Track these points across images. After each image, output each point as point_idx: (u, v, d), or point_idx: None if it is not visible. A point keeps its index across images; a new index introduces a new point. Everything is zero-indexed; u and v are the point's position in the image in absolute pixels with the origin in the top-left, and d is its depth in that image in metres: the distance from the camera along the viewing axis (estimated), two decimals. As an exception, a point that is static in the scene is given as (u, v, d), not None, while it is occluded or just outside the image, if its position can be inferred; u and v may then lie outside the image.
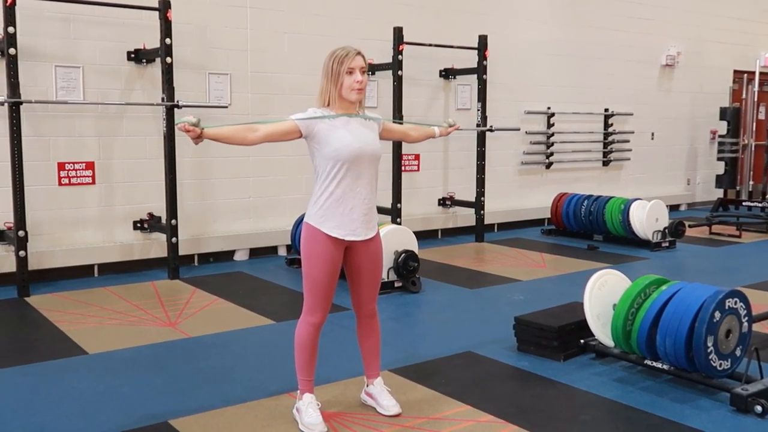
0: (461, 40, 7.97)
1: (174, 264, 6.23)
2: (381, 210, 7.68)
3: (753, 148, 10.98)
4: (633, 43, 10.18)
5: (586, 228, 8.29)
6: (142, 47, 6.32)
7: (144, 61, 6.37)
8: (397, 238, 5.82)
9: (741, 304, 3.66)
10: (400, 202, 7.49)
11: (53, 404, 3.50)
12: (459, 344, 4.44)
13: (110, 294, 5.67)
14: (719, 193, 11.33)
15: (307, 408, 3.24)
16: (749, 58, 11.76)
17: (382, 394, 3.41)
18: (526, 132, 9.17)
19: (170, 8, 5.98)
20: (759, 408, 3.33)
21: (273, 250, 7.35)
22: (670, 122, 11.03)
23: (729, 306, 3.59)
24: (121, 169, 6.42)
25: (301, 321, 3.28)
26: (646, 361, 3.85)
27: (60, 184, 6.12)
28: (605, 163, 10.24)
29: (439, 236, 8.51)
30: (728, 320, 3.59)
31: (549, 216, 9.09)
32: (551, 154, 9.50)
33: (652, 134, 10.80)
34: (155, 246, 6.57)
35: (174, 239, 6.20)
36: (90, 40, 6.17)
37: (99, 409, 3.44)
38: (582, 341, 4.21)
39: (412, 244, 5.91)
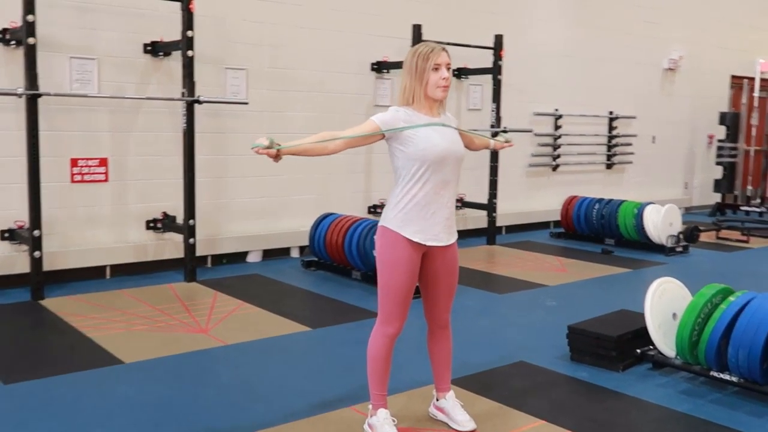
0: (474, 39, 7.84)
1: (191, 266, 6.00)
2: (395, 211, 7.52)
3: (753, 153, 11.04)
4: (638, 46, 10.16)
5: (598, 231, 8.23)
6: (160, 40, 6.07)
7: (161, 54, 6.13)
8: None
9: (815, 315, 3.58)
10: (416, 204, 7.32)
11: (104, 418, 3.28)
12: (508, 353, 4.31)
13: (128, 297, 5.43)
14: (716, 197, 11.38)
15: (383, 425, 3.07)
16: (747, 64, 11.85)
17: (455, 409, 3.26)
18: (534, 134, 9.08)
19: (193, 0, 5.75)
20: (843, 423, 3.26)
21: (286, 251, 7.15)
22: (670, 126, 11.04)
23: (805, 317, 3.51)
24: (135, 166, 6.17)
25: (376, 332, 3.11)
26: (712, 373, 3.75)
27: (72, 181, 5.86)
28: (609, 166, 10.22)
29: (449, 238, 8.37)
30: (803, 332, 3.51)
31: (555, 218, 9.05)
32: (558, 156, 9.44)
33: (653, 137, 10.80)
34: (169, 246, 6.33)
35: (192, 240, 5.97)
36: (106, 31, 5.91)
37: (156, 423, 3.23)
38: (638, 351, 4.11)
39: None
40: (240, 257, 6.84)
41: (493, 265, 6.93)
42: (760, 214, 10.49)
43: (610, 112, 10.03)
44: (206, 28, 6.33)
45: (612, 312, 4.57)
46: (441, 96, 3.02)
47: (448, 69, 3.02)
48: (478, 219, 8.41)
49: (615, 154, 10.20)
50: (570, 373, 4.01)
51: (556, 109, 9.32)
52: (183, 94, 5.84)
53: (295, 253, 7.16)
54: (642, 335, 4.14)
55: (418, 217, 2.98)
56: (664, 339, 3.98)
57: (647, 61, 10.39)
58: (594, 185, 9.90)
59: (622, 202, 8.08)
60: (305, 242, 7.08)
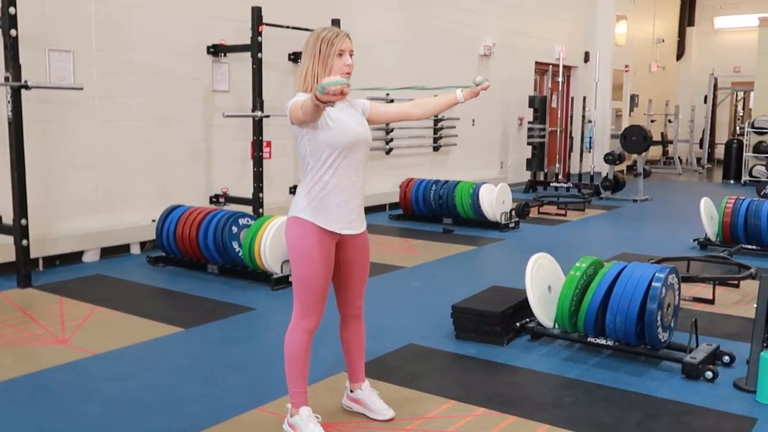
0: (311, 24, 7.69)
1: (25, 270, 5.38)
2: (241, 200, 7.28)
3: (559, 134, 11.98)
4: (459, 33, 10.60)
5: (436, 212, 8.51)
6: (-28, 17, 5.34)
7: (-27, 33, 5.39)
8: (289, 230, 5.53)
9: (676, 279, 3.96)
10: (262, 191, 7.12)
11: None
12: (394, 337, 4.32)
13: (-44, 310, 4.77)
14: (528, 174, 12.23)
15: (307, 423, 2.95)
16: (549, 51, 12.81)
17: (372, 398, 3.21)
18: (369, 118, 9.16)
19: (14, -28, 5.11)
20: (710, 374, 3.63)
21: (125, 248, 6.64)
22: (487, 109, 11.66)
23: (670, 282, 3.86)
24: (-52, 161, 5.41)
25: (294, 327, 2.96)
26: (589, 339, 4.02)
27: None
28: (436, 149, 10.59)
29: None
30: (669, 295, 3.87)
31: (391, 201, 9.27)
32: (391, 140, 9.62)
33: (473, 121, 11.35)
34: (-6, 250, 5.64)
35: (25, 242, 5.35)
36: None
37: (46, 452, 2.87)
38: (518, 324, 4.31)
39: (304, 236, 5.65)
40: (75, 257, 6.25)
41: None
42: (567, 189, 11.45)
43: (435, 95, 10.35)
44: (26, 5, 5.67)
45: (485, 290, 4.74)
46: (343, 83, 2.92)
47: (351, 55, 2.93)
48: (320, 205, 8.36)
49: (441, 137, 10.59)
50: (459, 351, 4.11)
51: (387, 94, 9.47)
52: (7, 78, 5.19)
53: (135, 250, 6.68)
54: (520, 309, 4.35)
55: (332, 205, 2.88)
56: (543, 311, 4.20)
57: (466, 47, 10.88)
58: (423, 167, 10.22)
59: (457, 182, 8.42)
60: (147, 237, 6.65)
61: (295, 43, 7.96)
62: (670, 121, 16.74)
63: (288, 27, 7.39)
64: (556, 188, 11.56)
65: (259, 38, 6.90)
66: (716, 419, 3.23)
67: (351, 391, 3.26)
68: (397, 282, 5.75)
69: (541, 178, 12.27)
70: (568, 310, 4.01)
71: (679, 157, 16.19)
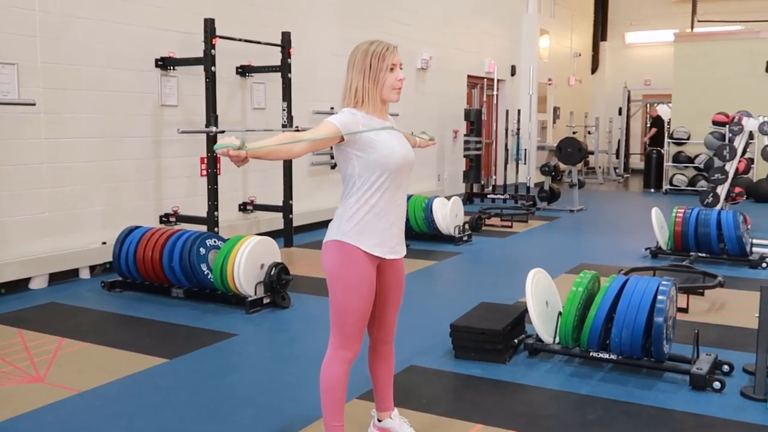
0: (258, 36, 7.53)
1: (-25, 301, 4.96)
2: (194, 219, 6.99)
3: (495, 146, 12.16)
4: (398, 47, 10.56)
5: (388, 226, 8.41)
6: None
7: None
8: (263, 251, 5.35)
9: (675, 291, 4.03)
10: (217, 210, 6.85)
11: None
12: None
13: None
14: (464, 187, 12.34)
15: (349, 457, 2.81)
16: (479, 65, 13.02)
17: (403, 428, 3.09)
18: (315, 132, 9.01)
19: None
20: (718, 384, 3.70)
21: (74, 273, 6.23)
22: (423, 123, 11.68)
23: (671, 294, 3.92)
24: None
25: (333, 358, 2.80)
26: (592, 354, 4.03)
27: None
28: (378, 162, 10.51)
29: (243, 244, 7.97)
30: (671, 307, 3.93)
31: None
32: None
33: (412, 133, 11.32)
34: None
35: (-26, 270, 4.93)
36: None
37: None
38: (516, 341, 4.28)
39: (277, 256, 5.47)
40: (21, 284, 5.81)
41: (312, 268, 6.73)
42: (504, 200, 11.62)
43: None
44: (-32, 14, 5.26)
45: (475, 307, 4.68)
46: (396, 98, 2.83)
47: (401, 68, 2.83)
48: (270, 221, 8.15)
49: (383, 151, 10.52)
50: (463, 371, 4.04)
51: (332, 108, 9.35)
52: (-47, 93, 4.78)
53: (85, 274, 6.28)
54: (516, 325, 4.33)
55: (377, 228, 2.76)
56: (543, 326, 4.19)
57: (405, 61, 10.74)
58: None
59: (410, 196, 8.37)
60: (97, 260, 6.30)
61: (243, 56, 7.77)
62: (589, 132, 17.32)
63: (241, 40, 7.16)
64: (493, 200, 11.71)
65: (213, 51, 6.65)
66: (739, 431, 3.28)
67: (379, 420, 3.13)
68: (373, 300, 5.62)
69: (477, 190, 12.41)
70: (572, 326, 4.01)
71: (600, 167, 16.76)
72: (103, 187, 6.46)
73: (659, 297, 3.81)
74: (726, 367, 3.95)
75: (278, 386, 3.81)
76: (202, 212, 6.89)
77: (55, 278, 6.07)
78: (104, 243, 6.32)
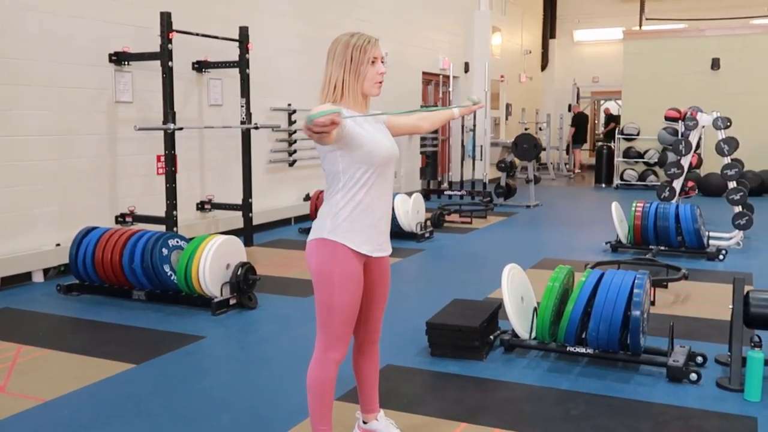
0: (213, 31, 7.34)
1: (-77, 308, 4.70)
2: (152, 219, 6.78)
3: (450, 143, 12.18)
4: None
5: (349, 224, 8.33)
6: None
7: None
8: (228, 250, 5.21)
9: (649, 284, 4.06)
10: (176, 209, 6.65)
11: None
12: (368, 358, 4.13)
13: None
14: (421, 184, 12.34)
15: (338, 462, 2.72)
16: (433, 61, 13.02)
17: (390, 429, 3.03)
18: (273, 129, 8.88)
19: None
20: (694, 376, 3.74)
21: (26, 276, 5.98)
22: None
23: (646, 288, 3.95)
24: None
25: (320, 360, 2.71)
26: (568, 348, 4.03)
27: None
28: (335, 159, 10.41)
29: (201, 244, 7.79)
30: (646, 300, 3.95)
31: (297, 214, 9.11)
32: (294, 151, 9.36)
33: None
34: None
35: None
36: None
37: None
38: (492, 337, 4.26)
39: (243, 255, 5.34)
40: (-29, 290, 5.56)
41: (276, 268, 6.60)
42: (461, 197, 11.63)
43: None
44: None
45: (449, 304, 4.63)
46: (377, 92, 2.75)
47: (383, 62, 2.75)
48: (229, 220, 7.98)
49: (340, 148, 10.43)
50: (440, 368, 3.99)
51: (290, 104, 9.22)
52: None
53: (38, 278, 6.03)
54: (491, 321, 4.31)
55: (364, 225, 2.67)
56: (519, 322, 4.17)
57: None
58: (324, 179, 10.00)
59: (371, 193, 8.29)
60: (51, 263, 6.07)
61: (199, 51, 7.58)
62: (540, 129, 17.52)
63: (198, 34, 6.98)
64: (450, 196, 11.71)
65: (170, 46, 6.46)
66: (721, 421, 3.31)
67: (364, 422, 3.05)
68: (341, 299, 5.53)
69: (434, 186, 12.42)
70: (549, 320, 4.00)
71: (551, 163, 16.97)
72: (55, 187, 6.21)
73: (635, 290, 3.83)
74: (699, 359, 4.00)
75: (254, 389, 3.70)
76: (160, 212, 6.69)
77: (7, 282, 5.81)
78: (58, 245, 6.08)
